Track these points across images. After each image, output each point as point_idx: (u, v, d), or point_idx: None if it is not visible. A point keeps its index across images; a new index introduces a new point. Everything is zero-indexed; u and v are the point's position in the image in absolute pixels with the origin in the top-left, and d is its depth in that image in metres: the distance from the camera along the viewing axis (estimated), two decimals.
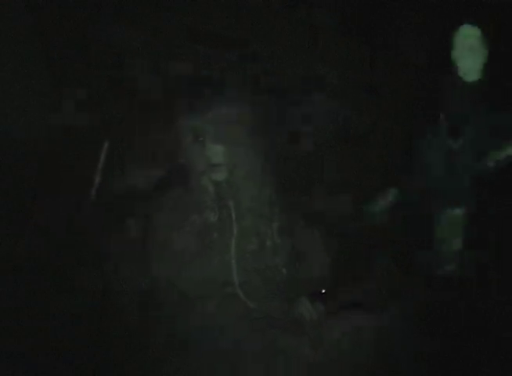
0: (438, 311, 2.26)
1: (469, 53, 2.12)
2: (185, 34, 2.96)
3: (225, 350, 1.98)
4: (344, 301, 2.30)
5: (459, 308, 2.28)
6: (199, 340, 2.02)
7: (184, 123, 2.07)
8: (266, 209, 2.13)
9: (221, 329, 1.99)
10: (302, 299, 2.04)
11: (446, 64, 2.35)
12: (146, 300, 2.31)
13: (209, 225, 2.07)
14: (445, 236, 2.26)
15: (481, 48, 2.17)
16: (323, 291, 2.03)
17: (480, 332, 2.19)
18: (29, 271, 2.40)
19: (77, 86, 2.95)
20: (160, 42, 2.98)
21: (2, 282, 2.33)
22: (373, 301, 2.58)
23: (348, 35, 2.96)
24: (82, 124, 2.87)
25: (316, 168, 2.87)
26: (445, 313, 2.26)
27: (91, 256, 2.44)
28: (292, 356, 1.91)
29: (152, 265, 2.11)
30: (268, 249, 2.12)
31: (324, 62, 3.02)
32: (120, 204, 2.46)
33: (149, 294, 2.28)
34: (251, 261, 2.13)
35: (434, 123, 2.38)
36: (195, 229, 2.08)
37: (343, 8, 3.00)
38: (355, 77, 2.98)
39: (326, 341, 1.88)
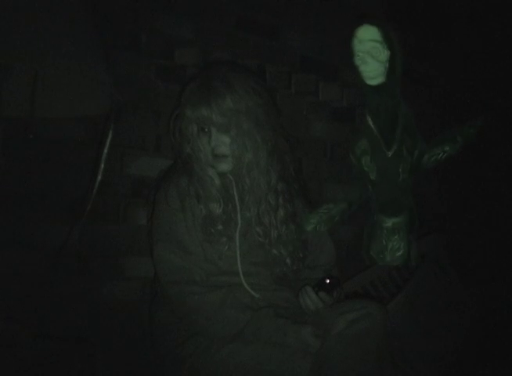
0: None
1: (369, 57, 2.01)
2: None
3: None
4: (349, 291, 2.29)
5: None
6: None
7: (190, 113, 2.06)
8: (271, 200, 2.11)
9: (226, 320, 1.97)
10: (307, 289, 2.01)
11: None
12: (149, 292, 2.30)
13: (214, 217, 2.05)
14: (386, 243, 2.18)
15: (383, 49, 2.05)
16: (328, 280, 2.00)
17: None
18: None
19: None
20: None
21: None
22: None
23: None
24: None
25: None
26: None
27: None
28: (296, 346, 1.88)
29: (155, 257, 2.08)
30: (273, 239, 2.10)
31: None
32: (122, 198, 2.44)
33: (151, 286, 2.26)
34: (256, 251, 2.11)
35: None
36: (200, 221, 2.06)
37: None
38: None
39: (330, 331, 1.86)
